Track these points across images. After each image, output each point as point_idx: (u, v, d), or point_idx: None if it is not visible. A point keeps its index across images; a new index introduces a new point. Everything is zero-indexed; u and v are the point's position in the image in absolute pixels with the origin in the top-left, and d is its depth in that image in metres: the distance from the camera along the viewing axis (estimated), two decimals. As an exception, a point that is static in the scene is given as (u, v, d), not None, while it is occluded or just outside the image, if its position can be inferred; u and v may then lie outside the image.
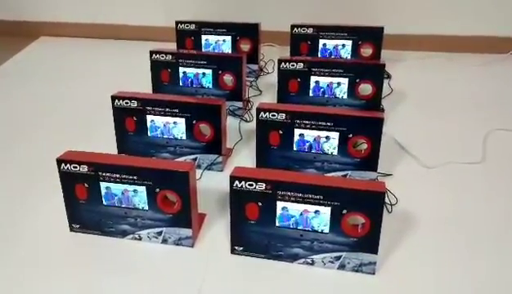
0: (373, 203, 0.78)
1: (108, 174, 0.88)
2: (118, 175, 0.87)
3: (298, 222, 0.83)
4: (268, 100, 1.52)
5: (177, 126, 1.12)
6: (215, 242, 0.93)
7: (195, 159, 1.15)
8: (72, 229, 0.96)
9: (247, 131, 1.32)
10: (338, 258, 0.84)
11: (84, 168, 0.88)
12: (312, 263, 0.86)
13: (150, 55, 1.39)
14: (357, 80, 1.27)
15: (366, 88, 1.29)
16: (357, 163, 1.04)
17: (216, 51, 1.66)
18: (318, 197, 0.80)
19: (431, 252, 0.89)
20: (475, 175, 1.12)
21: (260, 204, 0.83)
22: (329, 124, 1.01)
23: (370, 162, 1.03)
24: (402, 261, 0.87)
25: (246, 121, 1.38)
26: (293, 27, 1.57)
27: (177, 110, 1.10)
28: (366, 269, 0.84)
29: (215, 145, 1.12)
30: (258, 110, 1.04)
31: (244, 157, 1.21)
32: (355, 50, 1.55)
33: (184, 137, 1.13)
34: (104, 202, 0.91)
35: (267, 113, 1.04)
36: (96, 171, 0.88)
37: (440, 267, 0.86)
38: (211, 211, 1.01)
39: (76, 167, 0.88)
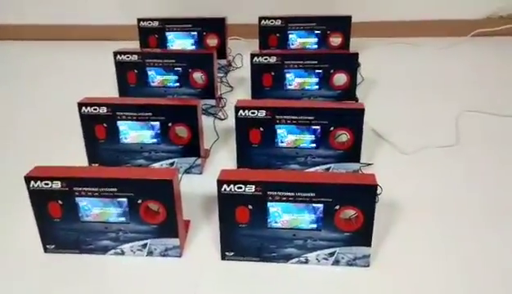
0: (366, 197, 0.78)
1: (84, 188, 0.82)
2: (95, 189, 0.82)
3: (290, 222, 0.82)
4: (241, 96, 1.48)
5: (151, 131, 1.07)
6: (203, 249, 0.90)
7: (172, 164, 1.10)
8: (46, 250, 0.89)
9: (223, 130, 1.29)
10: (332, 254, 0.83)
11: (57, 184, 0.82)
12: (306, 261, 0.85)
13: (114, 57, 1.32)
14: (332, 71, 1.27)
15: (340, 78, 1.29)
16: (339, 155, 1.04)
17: (182, 48, 1.61)
18: (310, 194, 0.78)
19: (421, 238, 0.90)
20: (452, 157, 1.15)
21: (250, 207, 0.81)
22: (310, 118, 1.00)
23: (352, 153, 1.03)
24: (394, 250, 0.88)
25: (221, 119, 1.35)
26: (261, 19, 1.55)
27: (150, 114, 1.05)
28: (361, 263, 0.83)
29: (193, 148, 1.08)
30: (237, 108, 1.01)
31: (223, 157, 1.18)
32: (324, 39, 1.55)
33: (159, 141, 1.08)
34: (81, 219, 0.85)
35: (247, 111, 1.01)
36: (71, 187, 0.82)
37: (432, 252, 0.87)
38: (194, 217, 0.97)
39: (48, 184, 0.82)
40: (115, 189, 0.82)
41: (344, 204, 0.79)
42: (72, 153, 1.18)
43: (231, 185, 0.79)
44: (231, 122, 1.35)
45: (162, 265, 0.87)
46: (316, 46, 1.56)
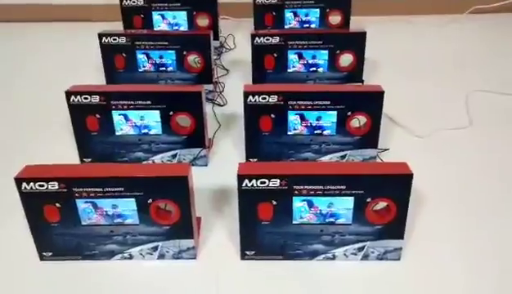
0: (401, 187, 0.73)
1: (85, 189, 0.73)
2: (99, 190, 0.73)
3: (317, 216, 0.76)
4: (238, 80, 1.41)
5: (150, 121, 0.98)
6: (219, 248, 0.83)
7: (174, 156, 1.02)
8: (43, 258, 0.80)
9: (223, 117, 1.21)
10: (361, 249, 0.79)
11: (54, 186, 0.73)
12: (334, 257, 0.80)
13: (100, 39, 1.21)
14: (338, 51, 1.20)
15: (347, 59, 1.23)
16: (356, 142, 0.99)
17: (171, 29, 1.50)
18: (340, 187, 0.73)
19: (447, 226, 0.87)
20: (467, 139, 1.12)
21: (274, 203, 0.75)
22: (326, 103, 0.94)
23: (369, 139, 0.98)
24: (421, 241, 0.84)
25: (220, 105, 1.27)
26: (255, -3, 1.46)
27: (149, 102, 0.96)
28: (392, 256, 0.79)
29: (197, 138, 1.00)
30: (246, 94, 0.94)
31: (227, 147, 1.11)
32: (322, 18, 1.48)
33: (160, 132, 0.99)
34: (82, 222, 0.77)
35: (257, 97, 0.94)
36: (70, 188, 0.73)
37: (459, 239, 0.84)
38: (205, 214, 0.90)
39: (43, 186, 0.73)
40: (122, 189, 0.73)
41: (377, 195, 0.74)
42: (60, 149, 1.08)
43: (254, 180, 0.73)
44: (230, 107, 1.28)
45: (176, 268, 0.80)
46: (314, 26, 1.49)
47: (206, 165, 1.04)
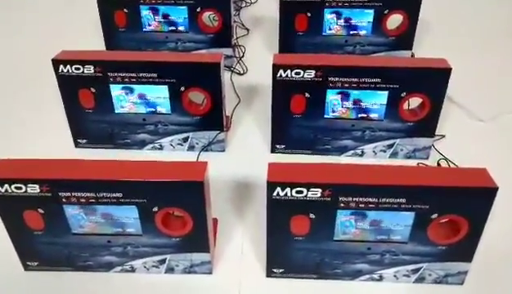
0: (479, 207, 0.59)
1: (76, 194, 0.60)
2: (91, 195, 0.60)
3: (367, 234, 0.63)
4: (259, 41, 1.24)
5: (157, 97, 0.83)
6: (241, 262, 0.71)
7: (186, 139, 0.88)
8: (27, 268, 0.69)
9: (243, 89, 1.06)
10: (416, 271, 0.66)
11: (34, 189, 0.60)
12: (381, 279, 0.67)
13: (96, -10, 1.04)
14: (386, 11, 1.02)
15: (395, 21, 1.04)
16: (408, 129, 0.83)
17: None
18: (400, 200, 0.59)
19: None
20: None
21: (312, 216, 0.61)
22: (375, 81, 0.78)
23: (427, 126, 0.82)
24: (489, 259, 0.70)
25: (239, 73, 1.11)
26: None
27: (155, 75, 0.80)
28: (453, 280, 0.66)
29: (213, 118, 0.85)
30: (276, 67, 0.78)
31: (249, 127, 0.96)
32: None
33: (168, 111, 0.85)
34: (72, 231, 0.65)
35: (289, 71, 0.78)
36: (56, 192, 0.60)
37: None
38: (221, 213, 0.77)
39: (21, 189, 0.60)
40: (120, 195, 0.60)
41: (443, 213, 0.60)
42: (51, 127, 0.95)
43: (287, 189, 0.59)
44: (252, 76, 1.12)
45: (186, 284, 0.68)
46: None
47: (223, 150, 0.89)
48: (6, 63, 1.20)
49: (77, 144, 0.89)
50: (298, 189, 0.59)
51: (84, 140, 0.89)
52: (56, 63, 0.80)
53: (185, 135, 0.88)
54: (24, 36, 1.32)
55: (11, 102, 1.05)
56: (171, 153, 0.89)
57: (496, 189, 0.57)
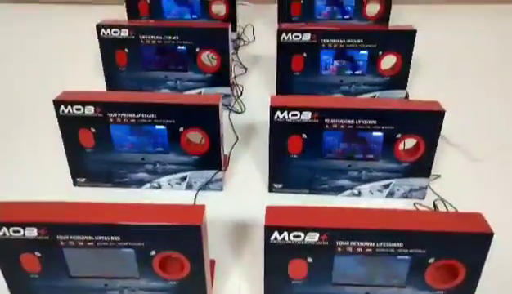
0: (475, 252, 0.59)
1: (74, 237, 0.61)
2: (90, 238, 0.60)
3: (364, 278, 0.63)
4: (257, 80, 1.27)
5: (156, 137, 0.85)
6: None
7: (184, 178, 0.89)
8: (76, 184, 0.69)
9: (241, 127, 1.07)
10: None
11: (32, 232, 0.60)
12: None
13: (98, 31, 1.07)
14: (380, 52, 1.05)
15: (389, 62, 1.07)
16: (404, 169, 0.84)
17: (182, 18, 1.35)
18: (397, 245, 0.59)
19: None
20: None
21: (310, 260, 0.61)
22: (371, 122, 0.79)
23: (422, 166, 0.84)
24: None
25: (237, 112, 1.13)
26: (281, -18, 1.30)
27: (154, 115, 0.82)
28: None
29: (211, 158, 0.86)
30: (274, 109, 0.79)
31: (246, 165, 0.97)
32: (359, 7, 1.31)
33: (167, 151, 0.86)
34: (71, 273, 0.64)
35: (286, 113, 0.80)
36: (54, 235, 0.60)
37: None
38: (219, 254, 0.77)
39: (19, 232, 0.60)
40: (118, 238, 0.61)
41: (442, 257, 0.60)
42: (49, 166, 0.95)
43: (285, 233, 0.59)
44: (249, 115, 1.13)
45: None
46: (347, 17, 1.33)
47: (221, 189, 0.90)
48: (6, 102, 1.22)
49: (75, 183, 0.90)
50: (296, 233, 0.59)
51: (83, 179, 0.90)
52: (57, 104, 0.82)
53: (183, 174, 0.88)
54: (24, 76, 1.35)
55: (11, 141, 1.06)
56: (169, 192, 0.90)
57: (492, 234, 0.57)
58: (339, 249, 0.60)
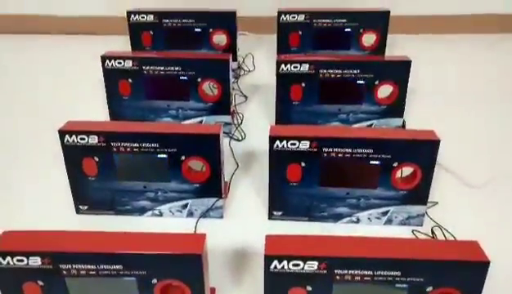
0: (472, 280, 0.60)
1: (76, 266, 0.61)
2: (92, 267, 0.61)
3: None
4: (257, 108, 1.29)
5: (158, 165, 0.86)
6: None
7: (185, 206, 0.90)
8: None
9: (241, 155, 1.09)
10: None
11: (36, 261, 0.61)
12: None
13: (103, 62, 1.10)
14: (376, 82, 1.08)
15: (386, 91, 1.10)
16: (402, 197, 0.85)
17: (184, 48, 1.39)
18: (395, 273, 0.60)
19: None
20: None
21: (309, 288, 0.62)
22: (368, 151, 0.81)
23: (419, 194, 0.85)
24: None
25: (238, 140, 1.15)
26: (280, 14, 1.34)
27: (156, 144, 0.84)
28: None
29: (211, 186, 0.88)
30: (273, 139, 0.81)
31: (247, 193, 0.98)
32: (356, 38, 1.35)
33: (168, 179, 0.88)
34: (71, 302, 0.65)
35: (285, 142, 0.82)
36: (57, 264, 0.61)
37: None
38: (219, 281, 0.77)
39: (22, 261, 0.61)
40: (120, 267, 0.61)
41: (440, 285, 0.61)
42: (52, 194, 0.97)
43: (284, 262, 0.60)
44: (250, 142, 1.15)
45: None
46: (345, 47, 1.37)
47: (221, 217, 0.91)
48: (11, 131, 1.24)
49: (78, 211, 0.91)
50: (295, 261, 0.60)
51: (86, 207, 0.91)
52: (62, 133, 0.84)
53: (184, 202, 0.90)
54: (28, 105, 1.38)
55: (14, 170, 1.08)
56: (170, 219, 0.91)
57: (488, 262, 0.58)
58: (338, 277, 0.61)
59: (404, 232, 0.87)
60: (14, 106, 1.38)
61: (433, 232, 0.86)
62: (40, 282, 0.63)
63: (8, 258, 0.61)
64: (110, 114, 1.17)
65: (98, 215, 0.91)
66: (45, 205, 0.95)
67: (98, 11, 1.76)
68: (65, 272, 0.62)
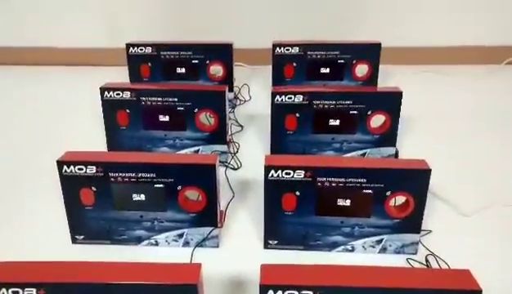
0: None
1: (71, 297, 0.61)
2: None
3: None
4: (254, 137, 1.31)
5: (154, 195, 0.87)
6: None
7: (181, 235, 0.90)
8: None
9: (237, 183, 1.10)
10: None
11: (31, 292, 0.61)
12: None
13: (102, 94, 1.12)
14: (369, 112, 1.10)
15: (379, 121, 1.12)
16: (396, 225, 0.86)
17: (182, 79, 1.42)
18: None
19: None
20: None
21: (304, 316, 0.62)
22: (360, 181, 0.82)
23: (412, 222, 0.86)
24: None
25: (233, 169, 1.16)
26: (275, 46, 1.38)
27: (153, 175, 0.85)
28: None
29: (207, 215, 0.88)
30: (268, 168, 0.83)
31: (243, 222, 0.98)
32: (349, 70, 1.39)
33: (165, 208, 0.88)
34: (65, 334, 0.64)
35: (280, 172, 0.83)
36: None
37: None
38: (215, 311, 0.77)
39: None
40: (116, 298, 0.61)
41: None
42: (46, 222, 0.97)
43: (279, 292, 0.60)
44: (245, 171, 1.17)
45: None
46: (338, 78, 1.40)
47: (217, 246, 0.91)
48: (7, 162, 1.25)
49: (74, 241, 0.91)
50: (290, 291, 0.60)
51: (82, 237, 0.91)
52: (60, 164, 0.85)
53: (180, 231, 0.90)
54: (24, 136, 1.39)
55: (10, 201, 1.08)
56: (166, 249, 0.91)
57: (480, 291, 0.59)
58: (333, 308, 0.61)
59: (398, 260, 0.87)
60: (13, 136, 1.39)
61: (427, 260, 0.86)
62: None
63: (3, 290, 0.61)
64: (107, 144, 1.18)
65: (94, 244, 0.91)
66: (40, 235, 0.95)
67: (98, 43, 1.80)
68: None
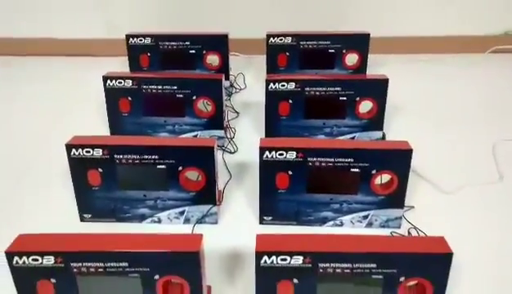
0: (439, 270, 0.67)
1: (86, 264, 0.66)
2: (100, 265, 0.67)
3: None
4: (249, 123, 1.37)
5: (157, 175, 0.93)
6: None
7: (182, 212, 0.96)
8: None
9: (234, 166, 1.16)
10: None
11: (50, 260, 0.67)
12: None
13: (104, 82, 1.17)
14: (357, 98, 1.16)
15: (367, 106, 1.18)
16: (381, 201, 0.93)
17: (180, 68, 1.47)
18: (371, 265, 0.67)
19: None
20: (499, 195, 1.06)
21: (296, 281, 0.68)
22: (349, 160, 0.88)
23: (396, 199, 0.92)
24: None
25: (230, 152, 1.22)
26: (269, 37, 1.43)
27: (156, 157, 0.90)
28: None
29: (207, 194, 0.94)
30: (262, 149, 0.89)
31: (239, 201, 1.04)
32: (340, 59, 1.44)
33: (167, 188, 0.94)
34: (80, 299, 0.70)
35: (274, 153, 0.89)
36: (68, 263, 0.67)
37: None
38: (214, 281, 0.83)
39: (37, 260, 0.67)
40: (126, 264, 0.67)
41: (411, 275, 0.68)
42: (57, 203, 1.03)
43: (273, 257, 0.67)
44: (242, 155, 1.22)
45: None
46: (329, 67, 1.45)
47: (216, 222, 0.97)
48: (21, 146, 1.30)
49: (82, 219, 0.96)
50: (283, 256, 0.66)
51: (89, 215, 0.96)
52: (68, 147, 0.90)
53: (181, 209, 0.96)
54: (31, 123, 1.44)
55: (23, 182, 1.13)
56: (168, 225, 0.97)
57: (451, 254, 0.65)
58: (321, 270, 0.67)
59: (383, 233, 0.93)
60: (22, 124, 1.43)
61: (409, 233, 0.93)
62: (53, 280, 0.68)
63: (24, 257, 0.66)
64: (110, 130, 1.23)
65: (100, 222, 0.97)
66: (50, 214, 1.00)
67: (98, 34, 1.84)
68: (75, 270, 0.67)
